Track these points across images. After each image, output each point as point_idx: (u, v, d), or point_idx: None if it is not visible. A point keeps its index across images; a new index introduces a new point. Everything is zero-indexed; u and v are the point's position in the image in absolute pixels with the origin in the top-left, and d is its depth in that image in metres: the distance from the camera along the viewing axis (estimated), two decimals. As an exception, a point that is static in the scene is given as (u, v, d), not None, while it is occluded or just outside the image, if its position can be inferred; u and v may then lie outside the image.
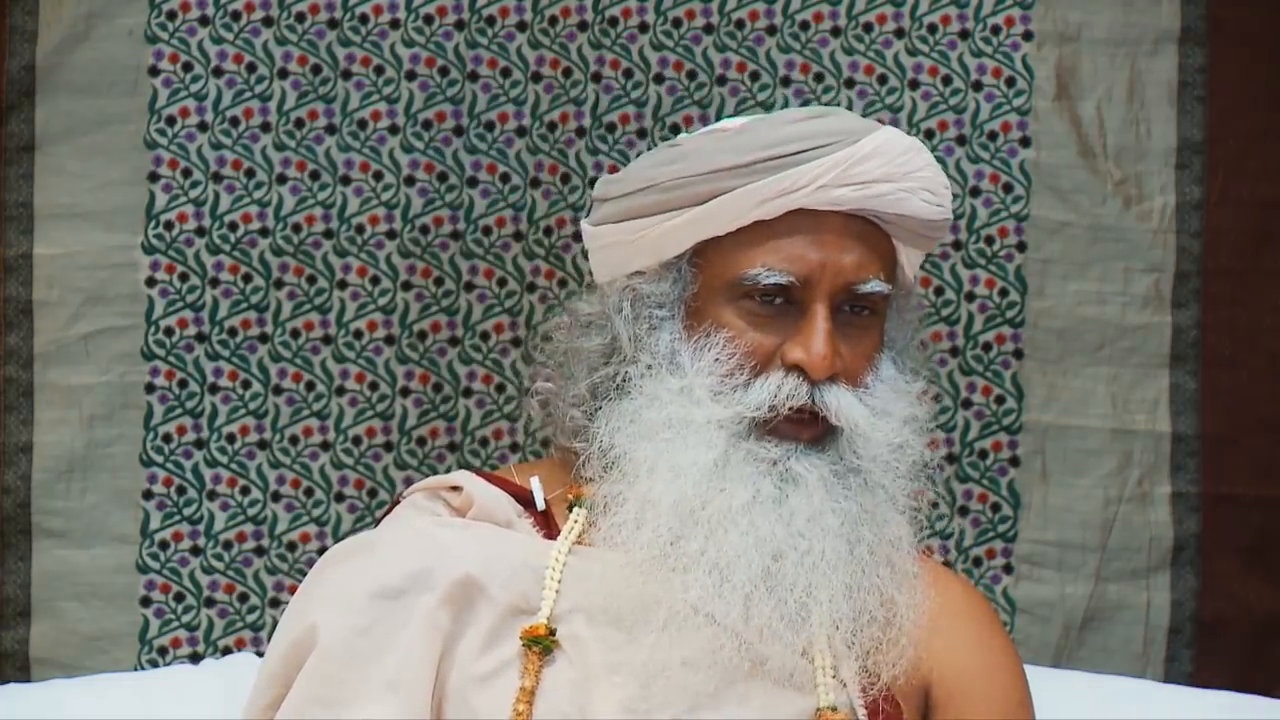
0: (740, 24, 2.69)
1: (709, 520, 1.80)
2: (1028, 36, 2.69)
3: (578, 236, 2.61)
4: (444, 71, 2.68)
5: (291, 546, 2.69)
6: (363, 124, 2.68)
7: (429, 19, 2.68)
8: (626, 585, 1.80)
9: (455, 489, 1.92)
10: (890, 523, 1.83)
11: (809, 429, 1.82)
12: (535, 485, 1.92)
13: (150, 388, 2.68)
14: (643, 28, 2.69)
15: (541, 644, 1.80)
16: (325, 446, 2.69)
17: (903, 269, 1.90)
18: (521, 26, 2.68)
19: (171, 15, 2.67)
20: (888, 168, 1.84)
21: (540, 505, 1.90)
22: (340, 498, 2.69)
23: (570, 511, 1.89)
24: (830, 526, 1.80)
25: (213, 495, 2.69)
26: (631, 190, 1.89)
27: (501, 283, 2.68)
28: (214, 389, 2.69)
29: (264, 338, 2.69)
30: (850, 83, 2.69)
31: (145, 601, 2.69)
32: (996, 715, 1.87)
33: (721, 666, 1.79)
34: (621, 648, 1.79)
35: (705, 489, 1.80)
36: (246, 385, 2.69)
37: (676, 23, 2.69)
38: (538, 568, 1.83)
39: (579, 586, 1.82)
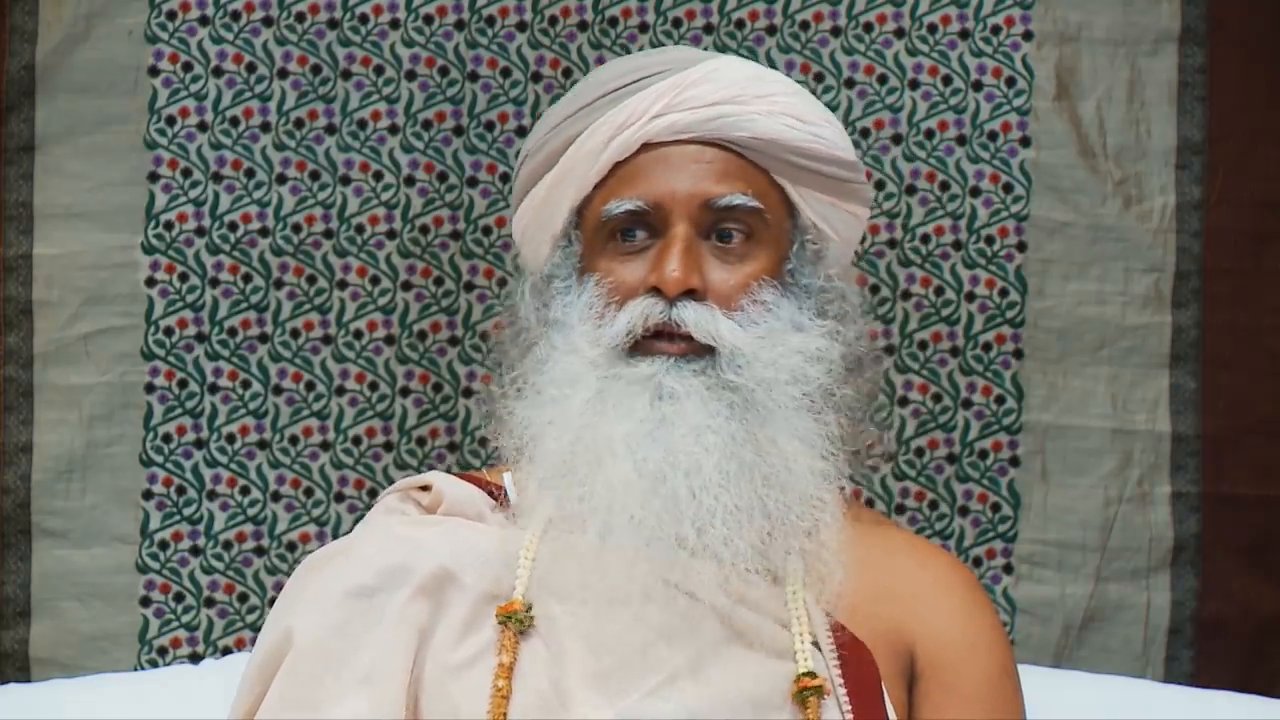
0: (740, 24, 2.69)
1: (591, 457, 1.80)
2: (1028, 36, 2.69)
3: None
4: (444, 71, 2.68)
5: (291, 546, 2.69)
6: (363, 124, 2.68)
7: (429, 19, 2.68)
8: (597, 564, 1.80)
9: (425, 489, 1.93)
10: (782, 448, 1.82)
11: (676, 344, 1.83)
12: (507, 480, 1.93)
13: (150, 388, 2.69)
14: (643, 28, 2.69)
15: (516, 618, 1.80)
16: (325, 446, 2.69)
17: (800, 209, 1.90)
18: (521, 26, 2.68)
19: (171, 15, 2.67)
20: (726, 91, 1.86)
21: (513, 498, 1.91)
22: (340, 498, 2.69)
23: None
24: (712, 444, 1.80)
25: (213, 495, 2.69)
26: (517, 171, 1.95)
27: (501, 283, 2.68)
28: (214, 389, 2.69)
29: (264, 338, 2.69)
30: (850, 83, 2.69)
31: (145, 601, 2.69)
32: (980, 684, 1.87)
33: (697, 637, 1.79)
34: (595, 625, 1.79)
35: (585, 427, 1.81)
36: (246, 385, 2.69)
37: (676, 23, 2.69)
38: (509, 554, 1.83)
39: (551, 568, 1.82)
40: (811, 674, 1.80)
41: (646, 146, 1.86)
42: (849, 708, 1.80)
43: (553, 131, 1.91)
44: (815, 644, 1.83)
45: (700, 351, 1.83)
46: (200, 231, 2.68)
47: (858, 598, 1.86)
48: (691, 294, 1.82)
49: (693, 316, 1.82)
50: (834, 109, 2.68)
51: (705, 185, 1.85)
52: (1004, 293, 2.70)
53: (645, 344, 1.83)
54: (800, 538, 1.83)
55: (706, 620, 1.80)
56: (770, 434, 1.82)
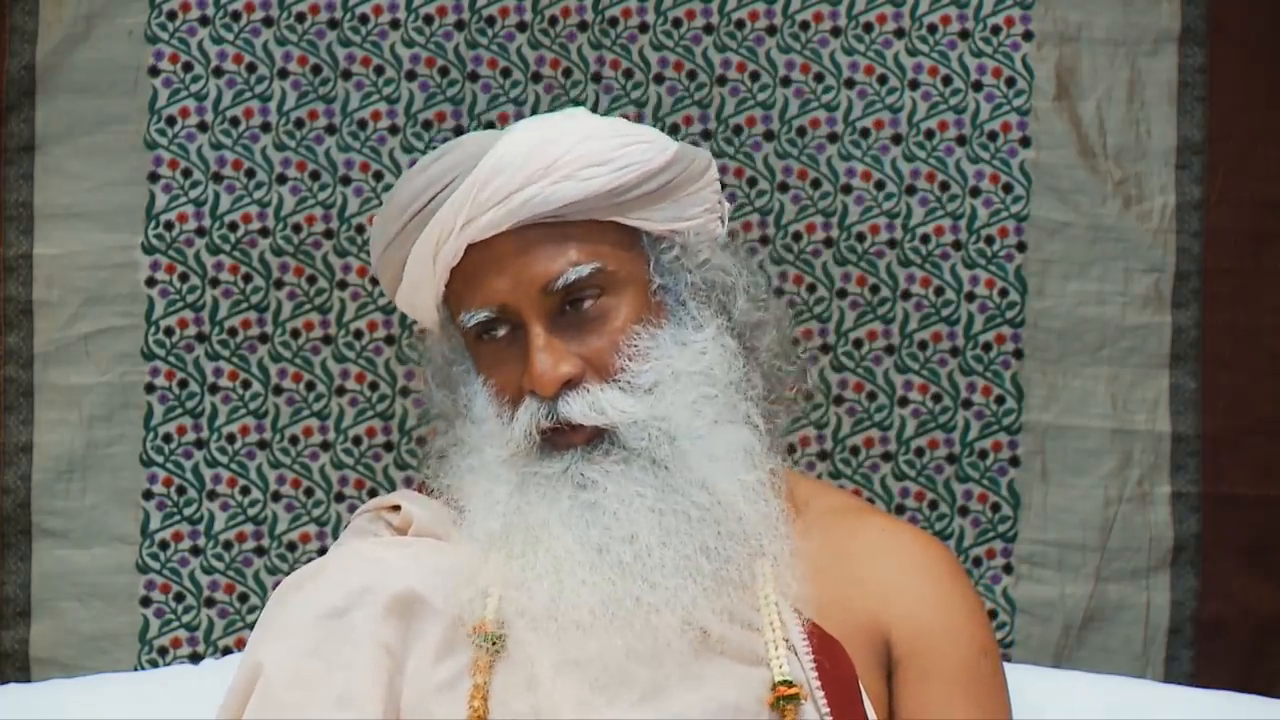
0: (740, 24, 2.69)
1: (528, 537, 1.82)
2: (1028, 36, 2.69)
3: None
4: (444, 71, 2.68)
5: (291, 546, 2.69)
6: (363, 124, 2.68)
7: (429, 19, 2.68)
8: (565, 586, 1.80)
9: (395, 509, 1.94)
10: (706, 482, 1.83)
11: (579, 433, 1.84)
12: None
13: (150, 388, 2.69)
14: (643, 28, 2.69)
15: (489, 639, 1.80)
16: (325, 446, 2.69)
17: (642, 229, 1.89)
18: (521, 26, 2.68)
19: (171, 15, 2.67)
20: (518, 175, 1.85)
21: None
22: (340, 498, 2.69)
23: None
24: (639, 507, 1.81)
25: (213, 495, 2.69)
26: (373, 274, 1.98)
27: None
28: (214, 389, 2.69)
29: (264, 338, 2.69)
30: (850, 83, 2.69)
31: (145, 601, 2.69)
32: (959, 666, 1.87)
33: (670, 653, 1.79)
34: (568, 644, 1.79)
35: (515, 513, 1.83)
36: (246, 385, 2.69)
37: (676, 23, 2.69)
38: (479, 577, 1.83)
39: (520, 590, 1.82)
40: (788, 682, 1.80)
41: (472, 248, 1.86)
42: (826, 710, 1.80)
43: (387, 250, 1.92)
44: (790, 646, 1.83)
45: (601, 433, 1.83)
46: (200, 231, 2.68)
47: (829, 593, 1.86)
48: (570, 383, 1.83)
49: (578, 409, 1.83)
50: (834, 109, 2.68)
51: (536, 272, 1.84)
52: (1004, 293, 2.70)
53: (550, 436, 1.84)
54: (785, 559, 1.84)
55: (681, 634, 1.80)
56: (690, 476, 1.83)
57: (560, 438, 1.84)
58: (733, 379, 1.88)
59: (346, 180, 2.69)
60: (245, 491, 2.69)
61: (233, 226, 2.68)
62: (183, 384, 2.69)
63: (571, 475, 1.83)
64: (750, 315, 1.91)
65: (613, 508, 1.81)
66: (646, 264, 1.89)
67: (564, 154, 1.86)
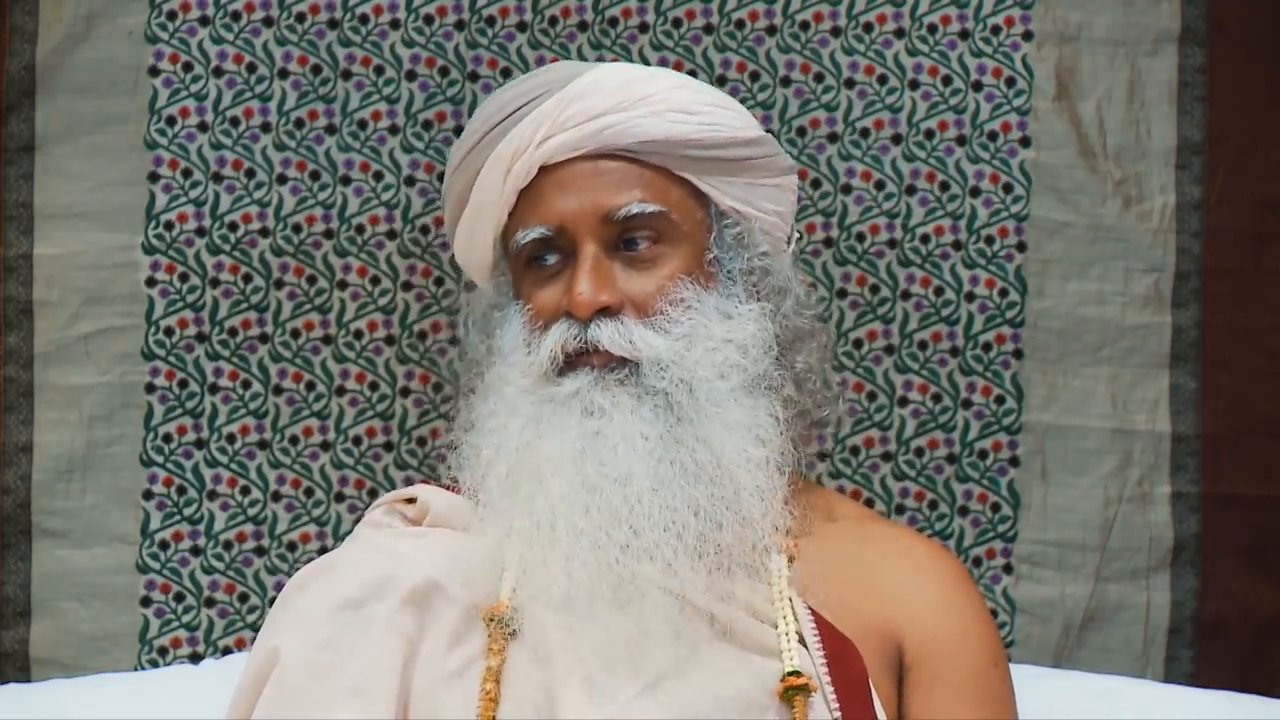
0: (740, 24, 2.69)
1: (533, 477, 1.82)
2: (1028, 36, 2.69)
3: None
4: (444, 71, 2.68)
5: (292, 546, 2.69)
6: (363, 124, 2.68)
7: (429, 19, 2.68)
8: (579, 569, 1.80)
9: (410, 501, 1.94)
10: (712, 443, 1.83)
11: (599, 356, 1.84)
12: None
13: (150, 388, 2.69)
14: (643, 28, 2.69)
15: (502, 621, 1.80)
16: (325, 446, 2.69)
17: (712, 197, 1.90)
18: (521, 26, 2.68)
19: (171, 15, 2.67)
20: (607, 100, 1.86)
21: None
22: (340, 498, 2.69)
23: None
24: (641, 449, 1.81)
25: (213, 495, 2.69)
26: (443, 210, 1.99)
27: (501, 283, 2.68)
28: (214, 389, 2.69)
29: (264, 338, 2.69)
30: (850, 83, 2.69)
31: (145, 601, 2.69)
32: (968, 675, 1.87)
33: (684, 638, 1.80)
34: (581, 629, 1.80)
35: (524, 448, 1.84)
36: (247, 385, 2.69)
37: (676, 23, 2.69)
38: (494, 563, 1.84)
39: (535, 576, 1.82)
40: (797, 673, 1.80)
41: (544, 170, 1.88)
42: (836, 706, 1.80)
43: (457, 171, 1.94)
44: (802, 641, 1.83)
45: (624, 361, 1.84)
46: (200, 231, 2.68)
47: (843, 593, 1.87)
48: (606, 311, 1.84)
49: (608, 334, 1.84)
50: (833, 109, 2.68)
51: (602, 199, 1.86)
52: (1004, 293, 2.70)
53: (572, 360, 1.85)
54: (767, 531, 1.84)
55: (692, 620, 1.81)
56: (698, 432, 1.83)
57: (581, 360, 1.85)
58: (764, 364, 1.88)
59: (346, 180, 2.69)
60: (245, 491, 2.69)
61: (233, 226, 2.68)
62: (183, 384, 2.69)
63: (582, 398, 1.83)
64: (795, 321, 1.93)
65: (614, 441, 1.82)
66: (708, 232, 1.90)
67: (656, 92, 1.88)
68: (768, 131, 1.99)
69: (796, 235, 2.01)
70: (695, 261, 1.88)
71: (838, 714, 1.80)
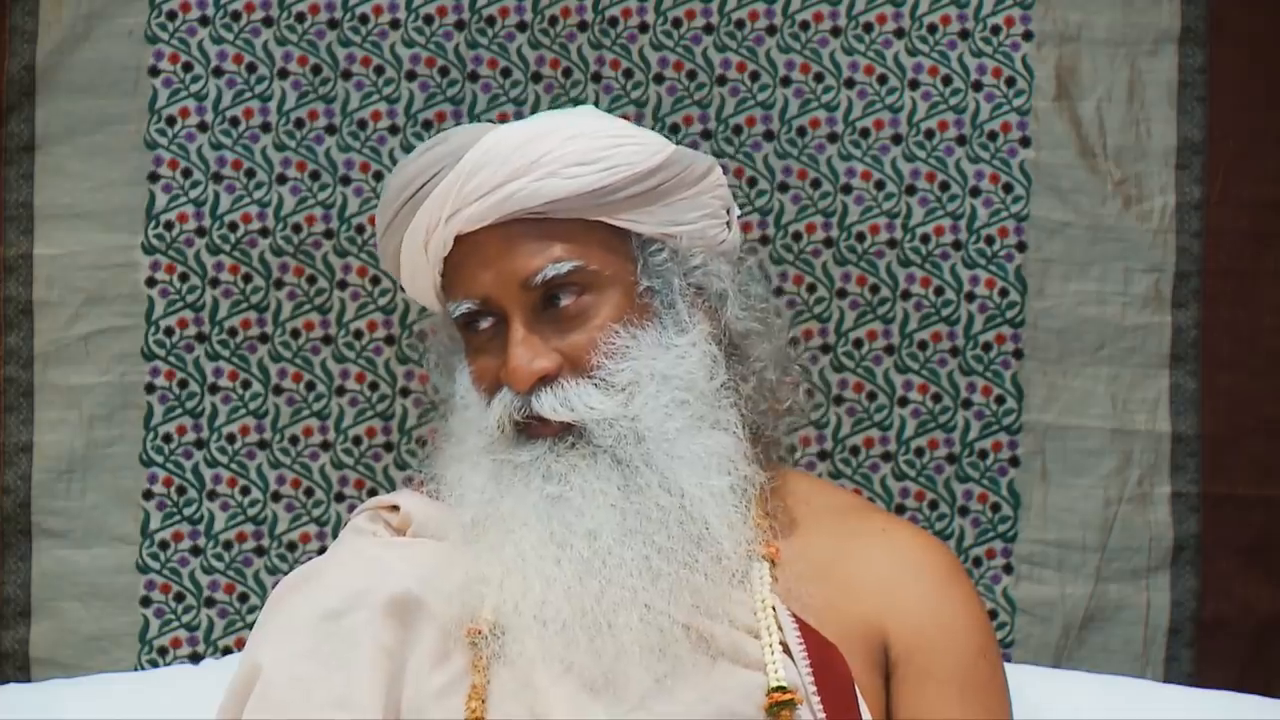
0: (740, 24, 2.69)
1: (499, 528, 1.83)
2: (1028, 36, 2.69)
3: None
4: (444, 71, 2.68)
5: (291, 546, 2.69)
6: (363, 124, 2.68)
7: (429, 19, 2.68)
8: (563, 589, 1.80)
9: (394, 508, 1.94)
10: (672, 483, 1.83)
11: (549, 426, 1.84)
12: None
13: (150, 388, 2.69)
14: (643, 28, 2.69)
15: (485, 640, 1.80)
16: (325, 446, 2.69)
17: (632, 230, 1.88)
18: (521, 26, 2.68)
19: (171, 15, 2.67)
20: (506, 169, 1.85)
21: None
22: (340, 498, 2.69)
23: None
24: (602, 504, 1.82)
25: (213, 495, 2.69)
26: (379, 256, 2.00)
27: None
28: (214, 389, 2.69)
29: (264, 338, 2.69)
30: (850, 83, 2.69)
31: (145, 601, 2.69)
32: (956, 667, 1.86)
33: (665, 653, 1.79)
34: (564, 646, 1.79)
35: (488, 503, 1.85)
36: (246, 385, 2.69)
37: (676, 23, 2.69)
38: (476, 578, 1.83)
39: (517, 592, 1.82)
40: (782, 688, 1.80)
41: (460, 240, 1.87)
42: (823, 715, 1.80)
43: (384, 238, 1.94)
44: (786, 650, 1.82)
45: (570, 427, 1.84)
46: (200, 231, 2.68)
47: (827, 594, 1.86)
48: (545, 379, 1.84)
49: (549, 405, 1.84)
50: (834, 109, 2.68)
51: (519, 266, 1.85)
52: (1004, 293, 2.70)
53: (524, 427, 1.85)
54: (742, 557, 1.84)
55: (675, 635, 1.80)
56: (653, 477, 1.83)
57: (533, 429, 1.85)
58: (714, 386, 1.87)
59: (346, 180, 2.69)
60: (245, 491, 2.69)
61: (233, 226, 2.68)
62: (183, 384, 2.69)
63: (539, 466, 1.84)
64: (742, 324, 1.91)
65: (577, 503, 1.82)
66: (634, 265, 1.89)
67: (549, 151, 1.86)
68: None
69: (737, 215, 1.99)
70: (627, 301, 1.87)
71: None
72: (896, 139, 2.69)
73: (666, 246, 1.90)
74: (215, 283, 2.68)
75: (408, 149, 2.67)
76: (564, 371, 1.84)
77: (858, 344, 2.70)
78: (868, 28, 2.69)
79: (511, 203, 1.85)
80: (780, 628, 1.83)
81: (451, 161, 1.87)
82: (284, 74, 2.68)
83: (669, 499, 1.82)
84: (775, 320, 1.94)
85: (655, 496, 1.82)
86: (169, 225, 2.68)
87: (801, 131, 2.69)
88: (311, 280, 2.69)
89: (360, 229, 2.68)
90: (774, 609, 1.83)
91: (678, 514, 1.82)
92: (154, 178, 2.68)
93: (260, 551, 2.69)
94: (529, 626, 1.80)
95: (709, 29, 2.69)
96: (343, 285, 2.69)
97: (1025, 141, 2.69)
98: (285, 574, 2.51)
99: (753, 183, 2.69)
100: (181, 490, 2.69)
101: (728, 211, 1.96)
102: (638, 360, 1.85)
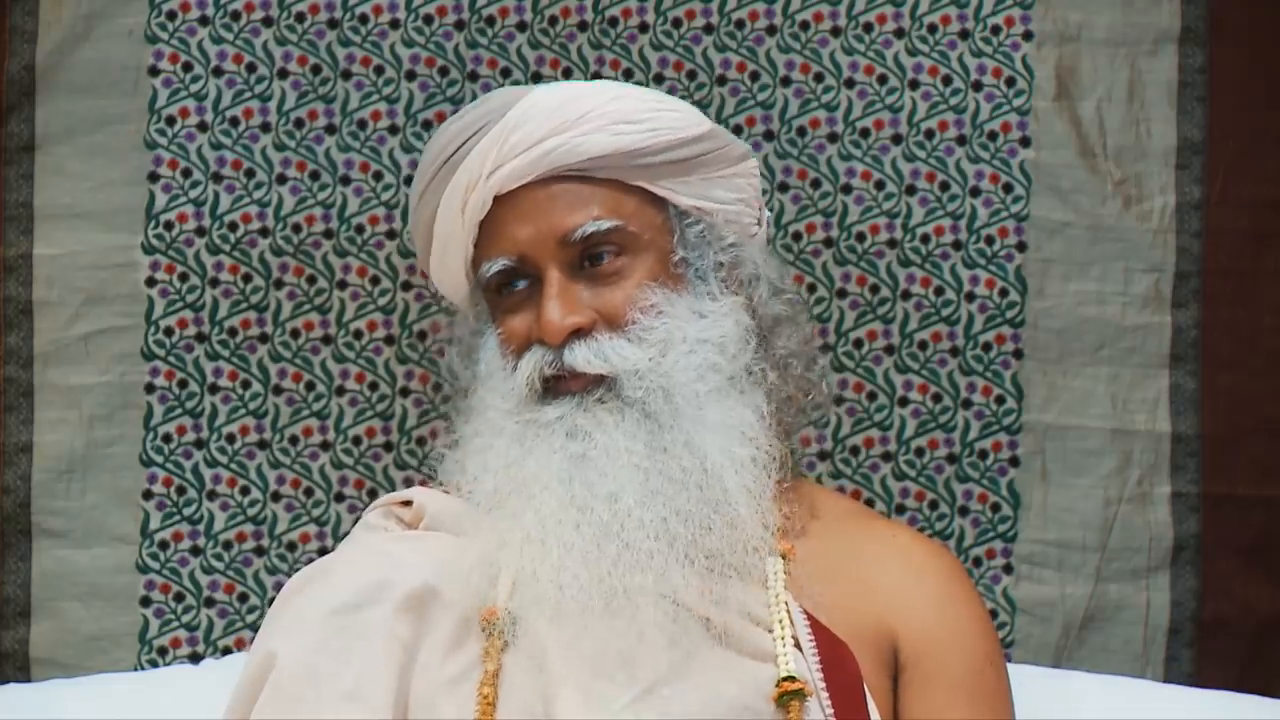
0: (740, 24, 2.69)
1: (521, 493, 1.84)
2: (1028, 36, 2.69)
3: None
4: (444, 71, 2.68)
5: (291, 546, 2.69)
6: (363, 124, 2.68)
7: (429, 19, 2.68)
8: (571, 582, 1.80)
9: (407, 504, 1.94)
10: (695, 446, 1.84)
11: (579, 380, 1.85)
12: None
13: (150, 388, 2.69)
14: (643, 28, 2.69)
15: (498, 627, 1.81)
16: (325, 446, 2.69)
17: (669, 199, 1.91)
18: (521, 26, 2.68)
19: (171, 15, 2.67)
20: (546, 124, 1.87)
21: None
22: (340, 498, 2.69)
23: None
24: (626, 464, 1.82)
25: (213, 495, 2.69)
26: (411, 239, 2.01)
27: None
28: (214, 389, 2.69)
29: (264, 338, 2.69)
30: (850, 83, 2.69)
31: (145, 601, 2.69)
32: (963, 673, 1.88)
33: (679, 643, 1.80)
34: (577, 634, 1.80)
35: (510, 466, 1.85)
36: (246, 385, 2.69)
37: (676, 23, 2.69)
38: (490, 568, 1.84)
39: (530, 580, 1.83)
40: (792, 678, 1.80)
41: (499, 199, 1.89)
42: (831, 710, 1.80)
43: (418, 208, 1.96)
44: (797, 644, 1.83)
45: (601, 381, 1.85)
46: (200, 231, 2.68)
47: (838, 594, 1.87)
48: (579, 332, 1.86)
49: (582, 356, 1.85)
50: (834, 109, 2.68)
51: (558, 223, 1.87)
52: (1004, 293, 2.70)
53: (552, 385, 1.87)
54: (757, 531, 1.84)
55: (687, 625, 1.81)
56: (681, 437, 1.84)
57: (561, 385, 1.86)
58: (744, 359, 1.89)
59: (346, 180, 2.69)
60: (245, 491, 2.69)
61: (233, 226, 2.68)
62: (183, 384, 2.69)
63: (564, 423, 1.85)
64: (772, 308, 1.93)
65: (600, 463, 1.83)
66: (671, 235, 1.91)
67: (594, 108, 1.89)
68: (724, 126, 1.99)
69: (768, 216, 2.01)
70: (662, 266, 1.90)
71: (832, 718, 1.80)
72: (896, 139, 2.69)
73: (702, 221, 1.93)
74: (215, 283, 2.68)
75: (408, 149, 2.67)
76: (598, 327, 1.86)
77: (858, 344, 2.70)
78: (868, 28, 2.69)
79: (553, 157, 1.87)
80: (792, 623, 1.83)
81: (495, 118, 1.89)
82: (284, 74, 2.68)
83: (692, 460, 1.83)
84: (803, 312, 1.96)
85: (679, 457, 1.83)
86: (169, 225, 2.68)
87: (801, 131, 2.69)
88: (311, 280, 2.69)
89: (360, 229, 2.68)
90: (786, 604, 1.84)
91: (698, 476, 1.83)
92: (154, 178, 2.68)
93: (260, 551, 2.69)
94: (546, 596, 1.80)
95: (709, 29, 2.69)
96: (343, 285, 2.69)
97: (1025, 141, 2.69)
98: (285, 574, 2.52)
99: (753, 183, 2.69)
100: (181, 490, 2.69)
101: (759, 206, 1.98)
102: (671, 321, 1.87)
